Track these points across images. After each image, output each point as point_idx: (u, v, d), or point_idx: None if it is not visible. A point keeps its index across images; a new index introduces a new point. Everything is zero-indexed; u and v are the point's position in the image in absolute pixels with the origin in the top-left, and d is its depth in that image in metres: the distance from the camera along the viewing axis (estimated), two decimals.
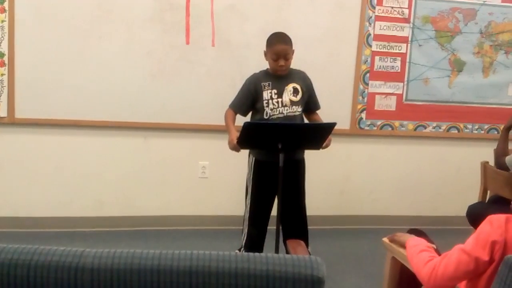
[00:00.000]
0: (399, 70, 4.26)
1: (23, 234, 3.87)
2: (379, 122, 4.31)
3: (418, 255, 2.02)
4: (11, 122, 3.82)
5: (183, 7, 3.89)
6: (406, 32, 4.22)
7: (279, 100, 3.09)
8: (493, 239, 1.79)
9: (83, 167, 4.00)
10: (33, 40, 3.76)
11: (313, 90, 3.25)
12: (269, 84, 3.10)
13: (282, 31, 3.14)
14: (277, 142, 2.85)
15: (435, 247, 2.10)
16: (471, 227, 3.25)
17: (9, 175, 3.93)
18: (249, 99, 3.13)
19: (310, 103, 3.23)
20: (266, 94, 3.09)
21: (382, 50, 4.21)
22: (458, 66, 4.34)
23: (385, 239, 2.36)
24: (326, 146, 3.07)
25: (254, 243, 3.21)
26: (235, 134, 2.96)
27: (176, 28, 3.91)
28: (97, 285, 1.22)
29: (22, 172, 3.94)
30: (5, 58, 3.74)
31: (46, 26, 3.76)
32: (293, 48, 3.08)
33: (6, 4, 3.69)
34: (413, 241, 2.12)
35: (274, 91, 3.09)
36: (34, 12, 3.74)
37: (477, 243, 1.83)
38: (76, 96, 3.86)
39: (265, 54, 3.11)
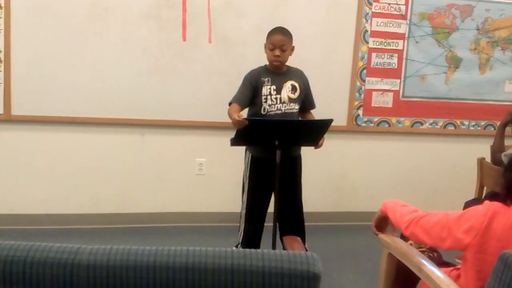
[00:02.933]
0: (395, 67, 4.26)
1: (19, 231, 3.86)
2: (376, 119, 4.32)
3: (401, 207, 2.12)
4: (7, 119, 3.81)
5: (179, 4, 3.89)
6: (403, 28, 4.22)
7: (278, 96, 3.10)
8: (472, 223, 1.84)
9: (79, 164, 3.99)
10: (29, 37, 3.75)
11: (309, 89, 3.26)
12: (268, 80, 3.10)
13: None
14: (274, 138, 2.85)
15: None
16: None
17: (5, 172, 3.92)
18: (251, 92, 3.11)
19: (305, 102, 3.24)
20: (265, 90, 3.09)
21: (379, 46, 4.21)
22: (454, 62, 4.34)
23: (380, 236, 2.35)
24: (320, 146, 3.09)
25: (251, 239, 3.21)
26: (236, 113, 2.82)
27: (173, 25, 3.90)
28: (93, 282, 1.22)
29: (18, 169, 3.93)
30: (1, 55, 3.73)
31: (42, 23, 3.75)
32: (293, 44, 3.09)
33: (2, 1, 3.67)
34: (389, 202, 2.21)
35: (273, 87, 3.10)
36: (30, 9, 3.72)
37: (460, 217, 1.89)
38: (73, 93, 3.85)
39: (265, 46, 3.12)
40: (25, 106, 3.81)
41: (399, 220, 2.08)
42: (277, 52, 3.03)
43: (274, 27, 3.15)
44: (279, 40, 3.04)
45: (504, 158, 3.26)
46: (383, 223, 2.27)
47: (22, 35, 3.74)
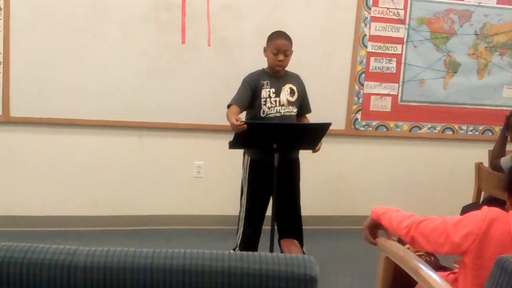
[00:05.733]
0: (394, 71, 4.27)
1: (17, 233, 3.86)
2: (374, 123, 4.32)
3: (396, 213, 2.10)
4: (6, 120, 3.81)
5: (178, 6, 3.89)
6: (402, 33, 4.23)
7: (277, 99, 3.11)
8: (470, 229, 1.84)
9: (77, 166, 3.99)
10: (28, 39, 3.75)
11: (306, 93, 3.28)
12: (267, 83, 3.11)
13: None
14: (272, 141, 2.86)
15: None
16: None
17: (3, 173, 3.91)
18: (250, 94, 3.12)
19: (302, 105, 3.25)
20: (264, 92, 3.10)
21: (377, 51, 4.22)
22: (453, 67, 4.36)
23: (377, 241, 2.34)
24: (317, 150, 3.09)
25: (249, 242, 3.21)
26: (234, 117, 2.84)
27: (172, 27, 3.91)
28: (90, 283, 1.22)
29: (16, 170, 3.93)
30: (0, 56, 3.73)
31: (42, 25, 3.75)
32: (292, 49, 3.10)
33: (1, 2, 3.68)
34: (380, 209, 2.18)
35: (272, 90, 3.11)
36: (29, 10, 3.73)
37: (458, 222, 1.88)
38: (71, 95, 3.86)
39: (265, 50, 3.13)
40: (24, 108, 3.81)
41: (396, 226, 2.06)
42: (281, 57, 3.05)
43: (273, 30, 3.16)
44: (284, 45, 3.05)
45: (502, 163, 3.26)
46: (374, 230, 2.27)
47: (21, 37, 3.74)
